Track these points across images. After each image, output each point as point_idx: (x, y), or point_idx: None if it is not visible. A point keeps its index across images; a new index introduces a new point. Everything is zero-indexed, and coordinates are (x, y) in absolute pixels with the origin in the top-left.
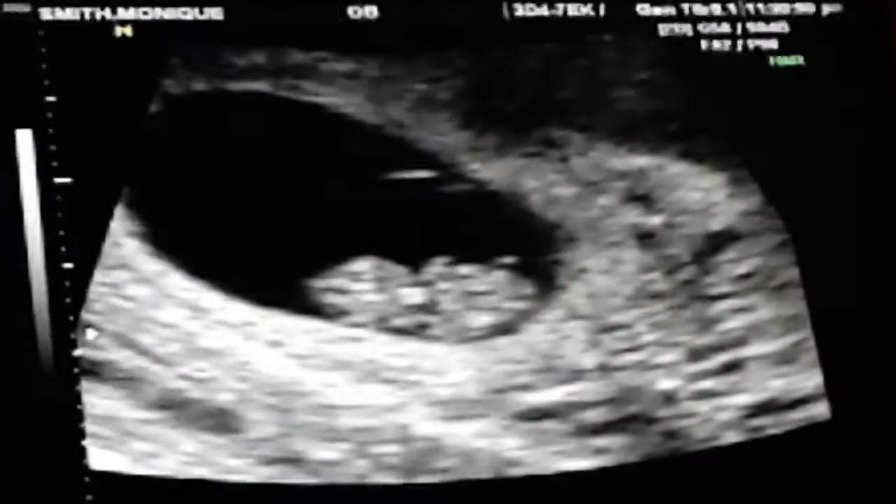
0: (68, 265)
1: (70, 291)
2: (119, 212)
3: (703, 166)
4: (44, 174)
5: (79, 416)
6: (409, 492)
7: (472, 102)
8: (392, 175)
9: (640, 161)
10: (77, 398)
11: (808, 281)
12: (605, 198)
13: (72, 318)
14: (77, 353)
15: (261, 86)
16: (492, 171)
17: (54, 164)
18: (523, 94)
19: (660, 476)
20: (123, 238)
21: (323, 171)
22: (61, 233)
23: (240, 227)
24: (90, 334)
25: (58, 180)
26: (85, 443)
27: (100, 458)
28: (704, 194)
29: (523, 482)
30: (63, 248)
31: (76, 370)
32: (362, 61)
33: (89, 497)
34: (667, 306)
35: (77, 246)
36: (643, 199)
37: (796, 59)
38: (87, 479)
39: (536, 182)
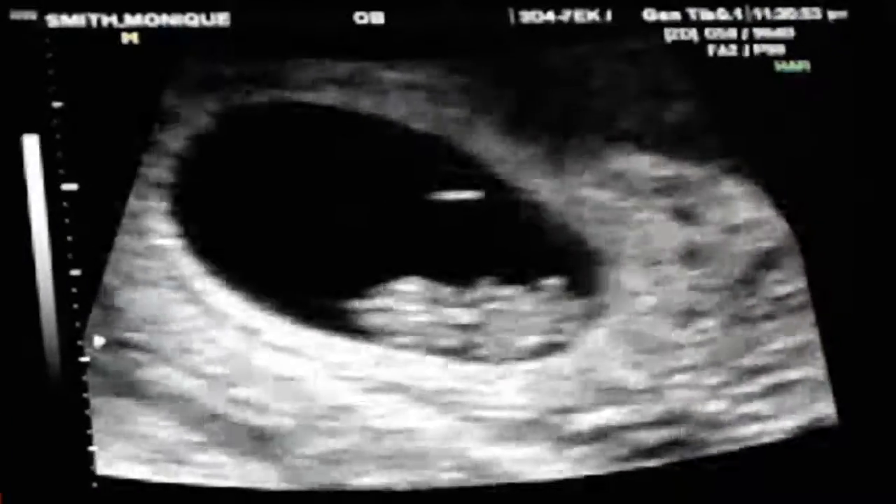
0: (75, 271)
1: (77, 298)
2: (162, 224)
3: (752, 183)
4: (50, 180)
5: (86, 421)
6: None
7: (514, 115)
8: (437, 193)
9: (687, 176)
10: (85, 404)
11: (815, 287)
12: (650, 214)
13: (79, 324)
14: (84, 359)
15: (306, 97)
16: (537, 187)
17: (61, 170)
18: (566, 107)
19: (668, 481)
20: (164, 247)
21: (368, 188)
22: (68, 239)
23: (286, 245)
24: (98, 341)
25: (64, 186)
26: (92, 448)
27: (107, 464)
28: (752, 211)
29: (569, 500)
30: (70, 255)
31: (83, 376)
32: (410, 72)
33: (97, 503)
34: (713, 326)
35: (84, 252)
36: (690, 216)
37: (803, 65)
38: (94, 484)
39: (582, 198)
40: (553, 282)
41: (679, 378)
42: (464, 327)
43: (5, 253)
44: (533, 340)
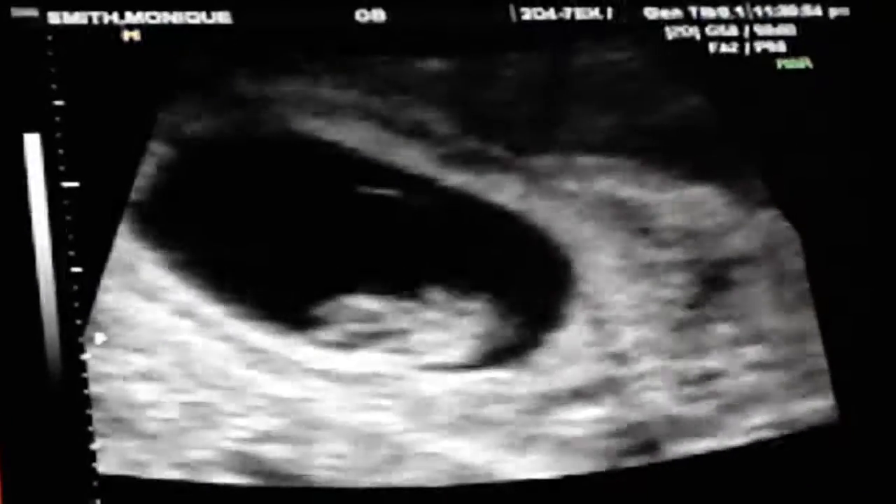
0: (76, 269)
1: (78, 295)
2: (131, 230)
3: (715, 186)
4: (51, 178)
5: (87, 420)
6: None
7: (473, 120)
8: (381, 192)
9: (647, 179)
10: (86, 402)
11: (817, 284)
12: (608, 218)
13: (80, 321)
14: (85, 356)
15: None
16: (493, 191)
17: (62, 167)
18: (527, 111)
19: (668, 480)
20: (137, 256)
21: (313, 198)
22: (69, 237)
23: (239, 255)
24: (98, 338)
25: (65, 184)
26: (93, 447)
27: (108, 463)
28: (714, 215)
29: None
30: (71, 252)
31: (84, 374)
32: (356, 78)
33: (97, 501)
34: (673, 329)
35: (85, 250)
36: (650, 220)
37: (804, 62)
38: (95, 483)
39: (540, 203)
40: (507, 287)
41: (637, 383)
42: (415, 333)
43: (6, 251)
44: (484, 346)
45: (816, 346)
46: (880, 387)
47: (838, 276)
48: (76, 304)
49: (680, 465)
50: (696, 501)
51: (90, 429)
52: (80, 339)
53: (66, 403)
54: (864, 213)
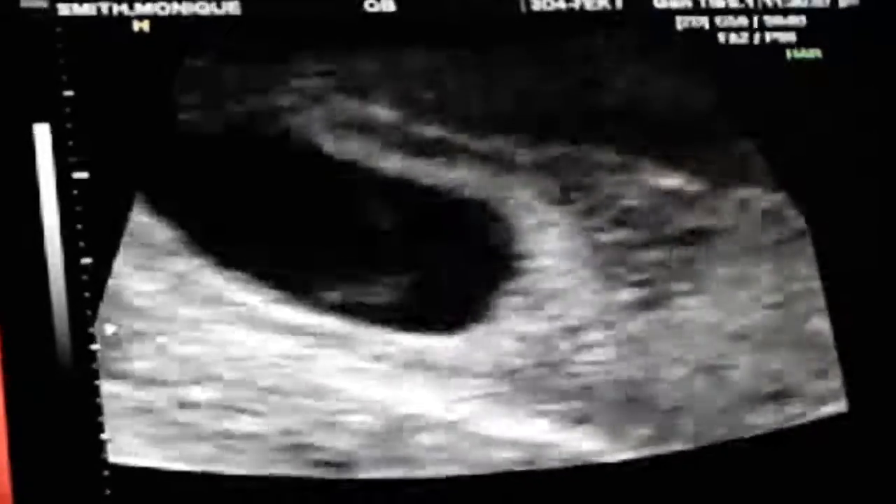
0: (86, 260)
1: (88, 286)
2: (141, 220)
3: (686, 167)
4: (61, 169)
5: (97, 410)
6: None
7: (507, 104)
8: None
9: (616, 160)
10: (96, 392)
11: (826, 274)
12: (581, 198)
13: (90, 312)
14: (95, 347)
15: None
16: (466, 171)
17: (72, 158)
18: (568, 98)
19: (677, 470)
20: (148, 246)
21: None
22: (79, 227)
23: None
24: (108, 329)
25: (75, 175)
26: (104, 437)
27: (118, 452)
28: (681, 194)
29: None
30: (81, 243)
31: (94, 364)
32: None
33: (108, 491)
34: (634, 313)
35: (95, 240)
36: (618, 199)
37: (814, 52)
38: (105, 472)
39: (511, 183)
40: (471, 262)
41: (589, 359)
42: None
43: (17, 241)
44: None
45: (825, 336)
46: (891, 376)
47: (846, 265)
48: (86, 295)
49: (686, 456)
50: (703, 493)
51: (100, 419)
52: (91, 330)
53: (77, 394)
54: (873, 202)
